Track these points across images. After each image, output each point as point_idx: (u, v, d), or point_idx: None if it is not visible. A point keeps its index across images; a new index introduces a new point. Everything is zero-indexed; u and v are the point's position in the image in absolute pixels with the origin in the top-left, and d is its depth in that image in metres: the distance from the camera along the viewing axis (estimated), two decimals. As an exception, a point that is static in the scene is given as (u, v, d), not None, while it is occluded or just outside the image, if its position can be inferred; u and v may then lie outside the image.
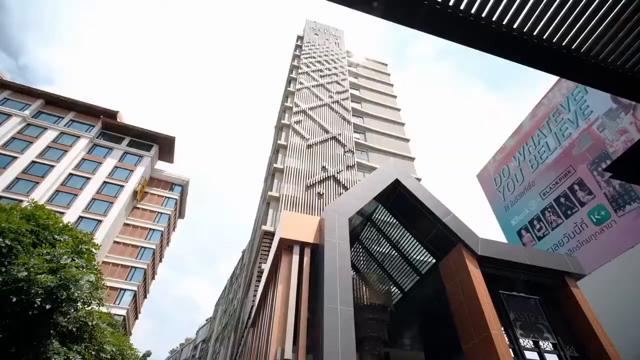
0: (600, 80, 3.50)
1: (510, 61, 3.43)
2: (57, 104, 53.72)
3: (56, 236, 12.58)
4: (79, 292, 10.42)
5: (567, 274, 12.88)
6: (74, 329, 11.72)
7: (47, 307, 9.88)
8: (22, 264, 10.59)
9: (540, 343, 11.17)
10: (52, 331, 11.18)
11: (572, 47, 3.42)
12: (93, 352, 13.04)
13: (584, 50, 3.46)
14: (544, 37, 3.35)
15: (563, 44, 3.41)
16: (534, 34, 3.32)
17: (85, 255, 12.59)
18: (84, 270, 11.58)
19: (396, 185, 13.43)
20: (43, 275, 10.43)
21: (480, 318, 10.38)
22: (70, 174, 47.55)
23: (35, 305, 9.81)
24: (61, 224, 13.26)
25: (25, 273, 9.94)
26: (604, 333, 11.27)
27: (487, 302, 10.71)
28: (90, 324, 12.31)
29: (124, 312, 41.99)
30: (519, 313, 11.72)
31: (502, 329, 10.65)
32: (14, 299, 9.91)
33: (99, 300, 12.52)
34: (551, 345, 11.25)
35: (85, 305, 12.19)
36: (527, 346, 11.00)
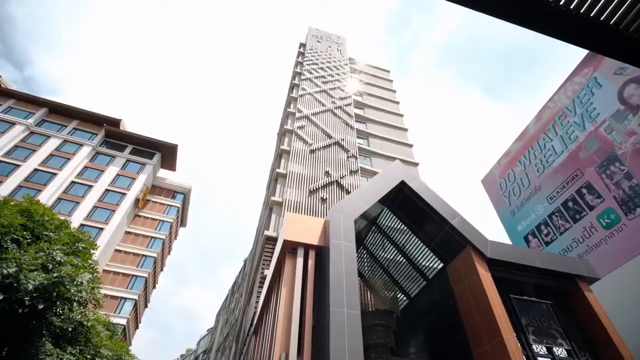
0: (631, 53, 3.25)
1: (537, 33, 3.18)
2: (60, 113, 53.99)
3: (52, 234, 12.21)
4: (73, 290, 10.01)
5: (579, 278, 12.50)
6: (68, 329, 11.24)
7: (40, 306, 9.48)
8: (12, 259, 10.15)
9: (554, 349, 10.75)
10: (44, 331, 10.72)
11: (601, 18, 3.18)
12: (88, 357, 12.58)
13: (614, 22, 3.22)
14: (571, 7, 3.11)
15: (591, 14, 3.17)
16: (561, 3, 3.07)
17: (82, 255, 12.20)
18: (80, 268, 11.14)
19: (402, 187, 13.14)
20: (35, 273, 10.00)
21: (492, 322, 10.00)
22: (73, 182, 47.51)
23: (26, 303, 9.41)
24: (57, 221, 12.92)
25: (15, 269, 9.54)
26: (619, 338, 10.87)
27: (499, 305, 10.34)
28: (86, 324, 11.86)
29: (124, 322, 41.45)
30: (531, 318, 11.32)
31: (514, 334, 10.25)
32: (1, 297, 9.47)
33: (95, 301, 12.10)
34: (565, 352, 10.82)
35: (81, 307, 11.76)
36: (541, 352, 10.58)
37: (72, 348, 11.73)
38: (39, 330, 10.44)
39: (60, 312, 10.34)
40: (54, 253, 10.75)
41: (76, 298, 10.36)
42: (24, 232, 11.42)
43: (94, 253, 13.28)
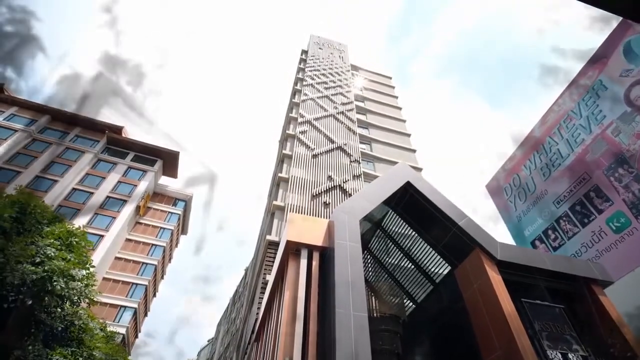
0: None
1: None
2: (62, 120, 53.98)
3: (44, 227, 11.73)
4: (64, 286, 9.51)
5: (592, 281, 12.09)
6: (58, 328, 10.68)
7: (29, 302, 8.98)
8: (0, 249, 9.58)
9: (570, 355, 10.29)
10: (33, 330, 10.17)
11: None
12: (81, 359, 12.02)
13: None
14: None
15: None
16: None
17: (76, 250, 11.72)
18: (72, 263, 10.62)
19: (407, 188, 12.83)
20: (24, 265, 9.45)
21: (504, 327, 9.59)
22: (74, 189, 47.27)
23: (11, 298, 8.90)
24: (50, 215, 12.50)
25: (2, 259, 9.05)
26: (636, 343, 10.41)
27: (511, 309, 9.94)
28: (77, 323, 11.27)
29: (123, 331, 40.75)
30: (544, 323, 10.89)
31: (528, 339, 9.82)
32: None
33: (90, 299, 11.56)
34: (581, 358, 10.36)
35: (74, 305, 11.23)
36: (555, 359, 10.12)
37: (62, 349, 11.18)
38: (26, 329, 9.89)
39: (51, 309, 9.82)
40: (45, 246, 10.25)
41: (67, 294, 9.83)
42: (12, 222, 10.88)
43: (90, 250, 12.83)
